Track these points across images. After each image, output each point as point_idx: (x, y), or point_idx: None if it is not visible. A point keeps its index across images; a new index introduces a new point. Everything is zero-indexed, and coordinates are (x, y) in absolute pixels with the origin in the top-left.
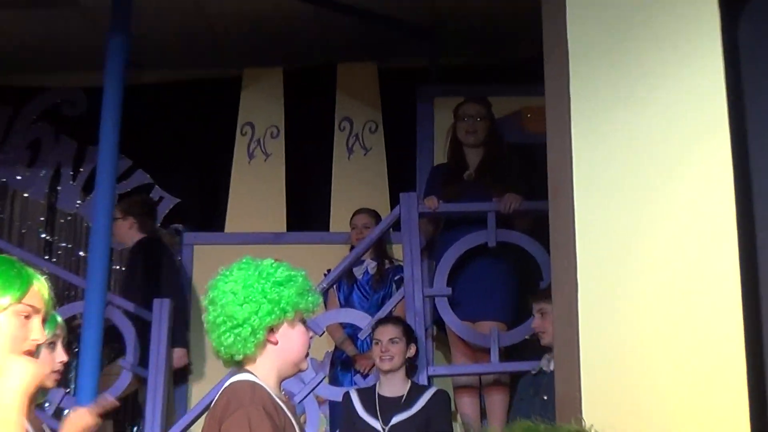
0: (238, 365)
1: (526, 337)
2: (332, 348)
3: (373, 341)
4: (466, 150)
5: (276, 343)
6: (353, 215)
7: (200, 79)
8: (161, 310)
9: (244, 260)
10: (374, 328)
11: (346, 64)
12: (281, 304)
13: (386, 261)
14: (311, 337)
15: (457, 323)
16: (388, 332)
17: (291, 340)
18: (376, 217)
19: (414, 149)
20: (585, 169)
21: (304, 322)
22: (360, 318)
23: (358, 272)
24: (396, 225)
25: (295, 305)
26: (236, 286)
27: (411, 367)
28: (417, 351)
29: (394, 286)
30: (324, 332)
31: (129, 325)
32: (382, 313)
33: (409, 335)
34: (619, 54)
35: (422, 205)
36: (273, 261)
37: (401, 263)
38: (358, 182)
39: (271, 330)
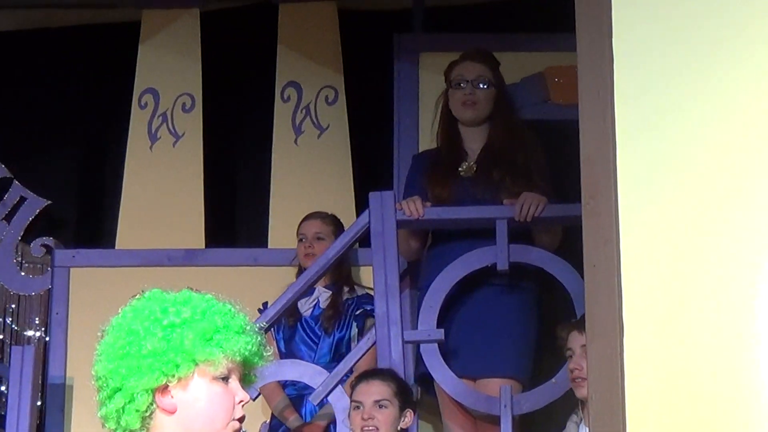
0: None
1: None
2: (269, 417)
3: (352, 404)
4: (464, 130)
5: (172, 412)
6: (301, 221)
7: (77, 26)
8: (23, 362)
9: (148, 293)
10: (354, 385)
11: (292, 2)
12: (168, 354)
13: (345, 288)
14: (241, 402)
15: (452, 381)
16: (373, 391)
17: (195, 407)
18: (335, 223)
19: (390, 128)
20: (634, 160)
21: (225, 379)
22: (311, 374)
23: (304, 306)
24: (364, 238)
25: (189, 355)
26: (119, 333)
27: None
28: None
29: (354, 325)
30: (259, 395)
31: None
32: (344, 367)
33: (405, 396)
34: None
35: (402, 210)
36: (187, 293)
37: (368, 290)
38: (309, 176)
39: (164, 393)
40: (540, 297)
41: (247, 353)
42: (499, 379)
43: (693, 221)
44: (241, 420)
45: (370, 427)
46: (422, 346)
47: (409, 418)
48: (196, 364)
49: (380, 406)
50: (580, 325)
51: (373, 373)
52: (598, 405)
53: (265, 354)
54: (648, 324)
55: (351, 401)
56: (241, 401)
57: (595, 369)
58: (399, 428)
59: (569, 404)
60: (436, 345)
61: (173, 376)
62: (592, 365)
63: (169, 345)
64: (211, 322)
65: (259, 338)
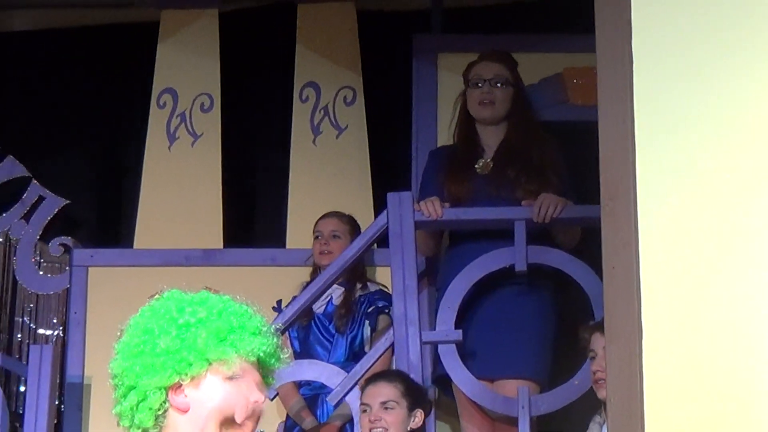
0: None
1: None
2: (285, 418)
3: (360, 407)
4: (481, 129)
5: (185, 411)
6: (318, 220)
7: (95, 26)
8: (41, 361)
9: (167, 293)
10: (362, 388)
11: (311, 3)
12: (181, 353)
13: (357, 285)
14: (256, 402)
15: (470, 382)
16: (379, 393)
17: (207, 406)
18: (351, 223)
19: (408, 129)
20: (653, 161)
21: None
22: (329, 374)
23: (317, 303)
24: (382, 239)
25: (202, 354)
26: (135, 331)
27: None
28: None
29: (366, 323)
30: (276, 395)
31: None
32: (361, 367)
33: (414, 396)
34: None
35: (420, 211)
36: (205, 293)
37: (381, 287)
38: (327, 176)
39: (177, 391)
40: (558, 298)
41: (261, 354)
42: (517, 380)
43: (712, 223)
44: None
45: (378, 429)
46: (440, 347)
47: (419, 418)
48: (210, 364)
49: (387, 408)
50: (597, 327)
51: (380, 375)
52: (617, 407)
53: (281, 356)
54: (667, 326)
55: (360, 404)
56: (255, 401)
57: (614, 371)
58: (409, 429)
59: (588, 405)
60: (454, 346)
61: (186, 374)
62: (611, 367)
63: (182, 344)
64: (225, 322)
65: (275, 340)
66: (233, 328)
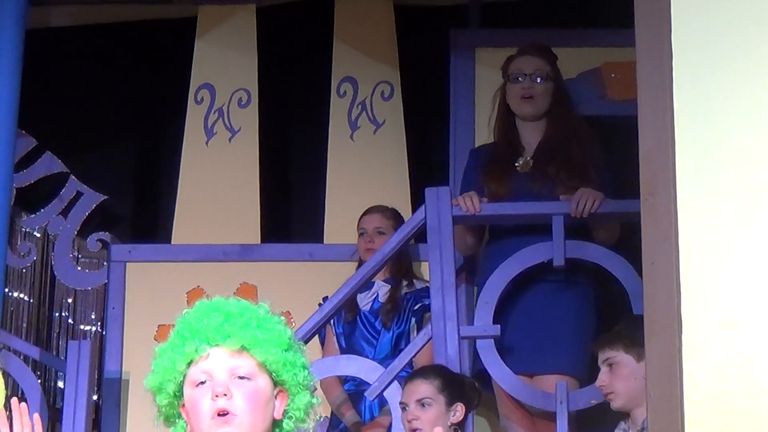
0: None
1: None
2: (329, 412)
3: (400, 406)
4: (521, 125)
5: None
6: (362, 216)
7: (133, 22)
8: (79, 356)
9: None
10: (403, 386)
11: None
12: (162, 357)
13: (403, 282)
14: (219, 395)
15: (509, 377)
16: (415, 391)
17: (190, 410)
18: (395, 217)
19: (446, 123)
20: (693, 156)
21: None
22: (368, 369)
23: (363, 300)
24: (420, 234)
25: (170, 358)
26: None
27: None
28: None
29: (413, 319)
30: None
31: (32, 379)
32: (399, 362)
33: (453, 391)
34: None
35: (458, 206)
36: (218, 298)
37: (426, 284)
38: (365, 172)
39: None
40: (598, 293)
41: (220, 341)
42: (556, 376)
43: (753, 218)
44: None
45: (415, 428)
46: (479, 342)
47: (459, 412)
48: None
49: (423, 405)
50: (601, 342)
51: (418, 373)
52: (657, 403)
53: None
54: (707, 322)
55: (399, 402)
56: (217, 396)
57: (654, 367)
58: (450, 423)
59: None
60: (492, 341)
61: (170, 377)
62: (651, 363)
63: (161, 349)
64: (181, 324)
65: (219, 319)
66: (184, 328)
